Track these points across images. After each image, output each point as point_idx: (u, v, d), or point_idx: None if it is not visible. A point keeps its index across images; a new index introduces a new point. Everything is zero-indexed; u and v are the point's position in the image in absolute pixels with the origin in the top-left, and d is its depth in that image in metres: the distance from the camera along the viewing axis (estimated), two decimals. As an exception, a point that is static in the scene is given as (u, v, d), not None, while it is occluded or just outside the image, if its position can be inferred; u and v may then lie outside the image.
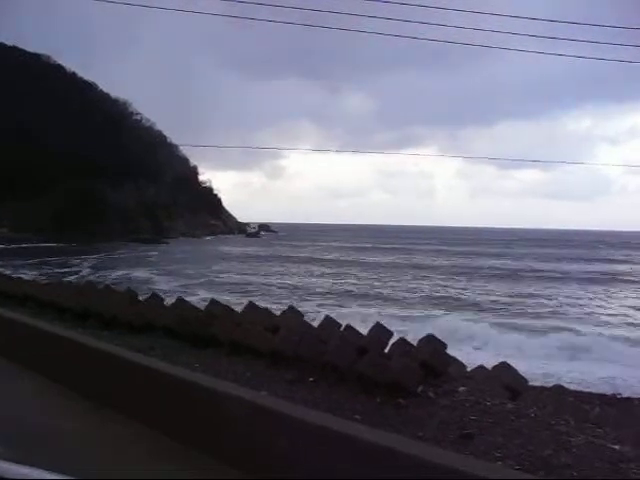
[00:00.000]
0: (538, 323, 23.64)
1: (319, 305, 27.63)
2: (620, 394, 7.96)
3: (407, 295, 33.66)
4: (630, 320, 25.30)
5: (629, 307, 29.74)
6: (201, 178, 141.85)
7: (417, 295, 33.84)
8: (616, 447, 3.71)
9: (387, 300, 31.35)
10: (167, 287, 34.13)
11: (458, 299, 31.97)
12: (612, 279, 44.74)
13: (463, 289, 36.87)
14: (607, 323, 24.49)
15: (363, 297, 32.61)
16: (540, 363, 14.92)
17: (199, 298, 24.28)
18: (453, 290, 36.20)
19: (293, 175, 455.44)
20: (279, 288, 36.40)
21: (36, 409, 5.73)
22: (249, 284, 38.34)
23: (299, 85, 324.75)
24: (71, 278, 34.99)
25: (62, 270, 47.34)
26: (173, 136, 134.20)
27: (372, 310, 25.68)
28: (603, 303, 31.75)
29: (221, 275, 44.86)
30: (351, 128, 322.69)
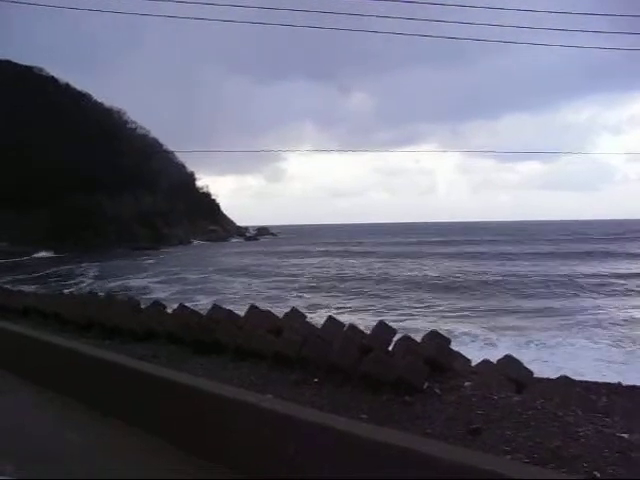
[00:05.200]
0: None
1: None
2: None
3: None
4: None
5: None
6: (199, 184, 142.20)
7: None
8: (625, 436, 3.69)
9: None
10: (165, 294, 34.06)
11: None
12: None
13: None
14: None
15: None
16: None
17: (199, 304, 24.06)
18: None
19: (294, 177, 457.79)
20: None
21: (39, 421, 5.71)
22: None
23: (301, 86, 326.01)
24: (72, 289, 34.99)
25: (62, 281, 47.38)
26: (171, 142, 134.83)
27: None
28: None
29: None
30: (353, 127, 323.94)
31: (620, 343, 19.51)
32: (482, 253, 66.05)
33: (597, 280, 37.13)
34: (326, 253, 76.14)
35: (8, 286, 21.49)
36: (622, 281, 36.35)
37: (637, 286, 33.74)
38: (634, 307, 26.35)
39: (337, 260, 63.82)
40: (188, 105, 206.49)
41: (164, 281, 45.41)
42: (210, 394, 4.53)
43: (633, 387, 6.77)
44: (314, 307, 27.50)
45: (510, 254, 63.10)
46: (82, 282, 47.36)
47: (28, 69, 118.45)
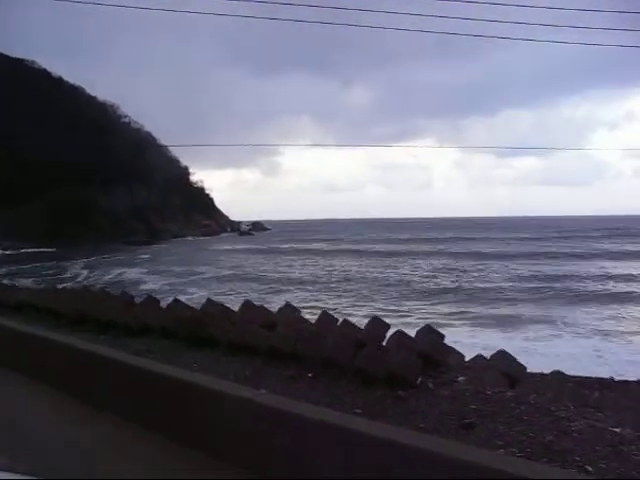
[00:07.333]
0: None
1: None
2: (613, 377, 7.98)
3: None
4: None
5: None
6: (193, 178, 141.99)
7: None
8: (617, 430, 3.72)
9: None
10: (158, 287, 34.11)
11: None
12: None
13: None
14: None
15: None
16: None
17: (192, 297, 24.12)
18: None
19: (291, 171, 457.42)
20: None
21: (33, 415, 5.70)
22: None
23: (298, 80, 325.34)
24: (65, 283, 34.89)
25: (56, 275, 47.20)
26: (165, 136, 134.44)
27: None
28: None
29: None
30: (351, 122, 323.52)
31: (611, 340, 19.70)
32: (482, 253, 65.84)
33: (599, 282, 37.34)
34: (314, 251, 76.16)
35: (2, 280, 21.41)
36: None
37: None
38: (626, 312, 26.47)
39: (323, 260, 63.72)
40: (183, 98, 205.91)
41: (155, 272, 45.66)
42: (204, 388, 4.54)
43: (625, 382, 6.82)
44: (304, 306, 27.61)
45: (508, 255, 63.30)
46: (75, 276, 47.27)
47: (20, 62, 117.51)
